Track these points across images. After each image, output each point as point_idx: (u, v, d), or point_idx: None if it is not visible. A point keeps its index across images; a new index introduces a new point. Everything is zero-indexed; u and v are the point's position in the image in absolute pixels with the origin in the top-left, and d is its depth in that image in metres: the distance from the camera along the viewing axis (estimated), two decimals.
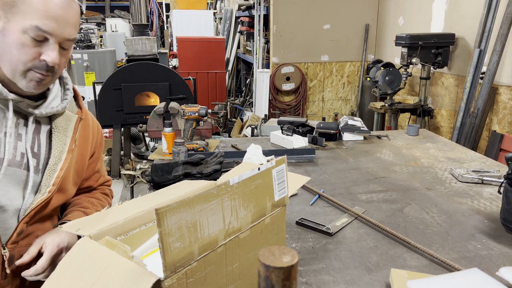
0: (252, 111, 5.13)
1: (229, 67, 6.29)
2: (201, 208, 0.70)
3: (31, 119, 1.03)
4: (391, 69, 3.55)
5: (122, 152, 3.97)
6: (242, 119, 4.82)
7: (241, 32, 6.24)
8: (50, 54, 0.95)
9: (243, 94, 6.21)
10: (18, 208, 1.01)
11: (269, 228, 0.89)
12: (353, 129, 2.23)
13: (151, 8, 8.91)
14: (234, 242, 0.78)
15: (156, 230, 0.65)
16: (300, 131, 2.14)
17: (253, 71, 5.45)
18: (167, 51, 6.75)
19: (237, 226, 0.78)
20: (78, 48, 5.20)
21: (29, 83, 0.97)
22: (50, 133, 1.07)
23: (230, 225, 0.76)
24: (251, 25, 5.60)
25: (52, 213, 1.11)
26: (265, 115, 4.58)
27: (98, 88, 3.81)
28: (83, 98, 4.68)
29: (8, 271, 0.99)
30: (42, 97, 1.05)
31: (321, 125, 2.24)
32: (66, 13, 0.95)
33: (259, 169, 0.83)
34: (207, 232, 0.71)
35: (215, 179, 1.50)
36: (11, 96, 0.97)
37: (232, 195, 0.76)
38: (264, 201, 0.86)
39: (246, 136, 4.01)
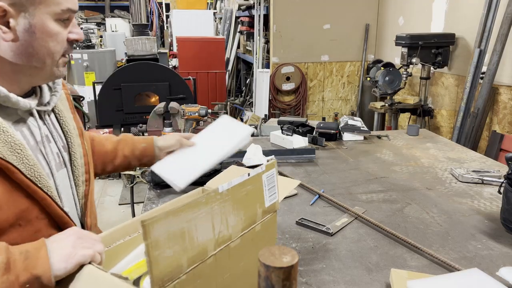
0: (252, 111, 5.13)
1: (229, 67, 6.28)
2: (190, 217, 0.67)
3: (46, 117, 0.97)
4: (391, 69, 3.55)
5: None
6: (242, 119, 4.82)
7: (241, 32, 6.24)
8: (77, 31, 0.91)
9: (243, 94, 6.21)
10: (74, 207, 1.00)
11: (260, 235, 0.86)
12: (353, 129, 2.23)
13: (151, 8, 8.91)
14: (225, 251, 0.75)
15: (140, 241, 0.62)
16: (300, 131, 2.14)
17: (253, 71, 5.44)
18: (167, 51, 6.75)
19: (228, 235, 0.75)
20: (78, 48, 5.20)
21: (62, 68, 0.92)
22: (56, 119, 1.02)
23: (220, 234, 0.73)
24: (251, 25, 5.60)
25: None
26: (265, 115, 4.57)
27: (98, 88, 3.80)
28: (83, 98, 4.68)
29: None
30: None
31: (321, 125, 2.24)
32: None
33: (249, 174, 0.80)
34: (196, 242, 0.68)
35: None
36: (33, 104, 0.90)
37: (222, 203, 0.73)
38: (255, 207, 0.83)
39: None
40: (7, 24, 0.81)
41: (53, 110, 1.00)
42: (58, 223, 0.91)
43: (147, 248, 0.60)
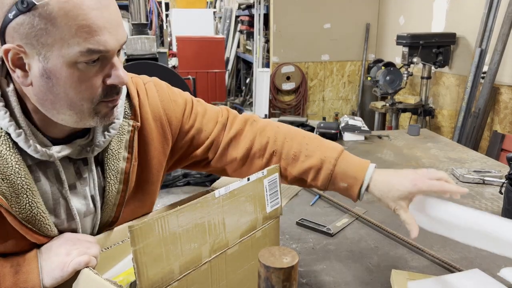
0: (252, 111, 5.13)
1: (229, 67, 6.28)
2: (182, 222, 0.65)
3: (90, 161, 0.82)
4: (392, 69, 3.54)
5: None
6: None
7: (241, 31, 6.23)
8: (118, 75, 0.72)
9: (243, 94, 6.20)
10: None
11: (261, 242, 0.84)
12: (353, 129, 2.22)
13: (150, 7, 8.90)
14: (221, 258, 0.73)
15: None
16: None
17: (253, 71, 5.44)
18: (166, 50, 6.73)
19: (224, 241, 0.73)
20: None
21: (104, 118, 0.76)
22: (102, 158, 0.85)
23: (216, 240, 0.71)
24: (251, 24, 5.59)
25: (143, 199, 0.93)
26: (265, 114, 4.57)
27: None
28: None
29: None
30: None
31: (322, 125, 2.23)
32: (110, 11, 0.69)
33: (248, 179, 0.78)
34: (190, 248, 0.66)
35: (214, 180, 1.49)
36: (54, 158, 0.76)
37: (218, 208, 0.71)
38: (255, 213, 0.81)
39: None
40: (23, 67, 0.69)
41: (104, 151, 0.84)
42: None
43: (134, 254, 0.58)
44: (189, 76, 4.21)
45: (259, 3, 4.96)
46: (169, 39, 7.68)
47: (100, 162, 0.85)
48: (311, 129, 2.20)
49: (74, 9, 0.65)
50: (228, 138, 0.98)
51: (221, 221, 0.72)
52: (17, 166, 0.72)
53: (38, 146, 0.74)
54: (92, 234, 0.86)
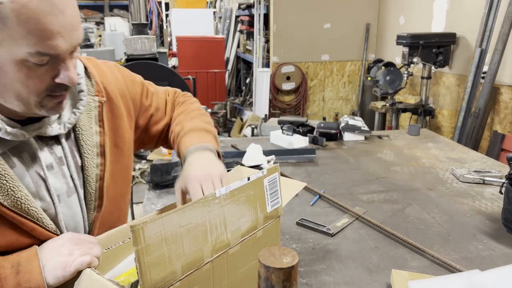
0: (252, 111, 5.12)
1: (229, 67, 6.27)
2: (184, 222, 0.65)
3: (62, 139, 0.85)
4: (392, 69, 3.54)
5: None
6: (242, 119, 4.81)
7: (241, 31, 6.23)
8: (69, 75, 0.74)
9: (243, 94, 6.20)
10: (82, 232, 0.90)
11: (262, 242, 0.84)
12: (353, 129, 2.22)
13: (150, 7, 8.90)
14: (222, 258, 0.73)
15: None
16: (301, 131, 2.13)
17: (253, 71, 5.44)
18: (166, 50, 6.73)
19: (226, 241, 0.73)
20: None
21: (50, 110, 0.78)
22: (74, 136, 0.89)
23: (218, 240, 0.71)
24: (251, 24, 5.59)
25: (117, 194, 0.96)
26: (265, 114, 4.57)
27: None
28: None
29: None
30: None
31: (322, 125, 2.23)
32: (66, 15, 0.70)
33: (249, 178, 0.78)
34: (192, 248, 0.66)
35: None
36: (30, 135, 0.78)
37: (219, 208, 0.71)
38: (255, 213, 0.81)
39: (246, 136, 4.00)
40: None
41: (74, 129, 0.87)
42: None
43: (137, 254, 0.58)
44: (189, 76, 4.21)
45: (259, 3, 4.96)
46: (169, 39, 7.68)
47: (74, 141, 0.88)
48: (312, 129, 2.20)
49: (27, 13, 0.65)
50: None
51: (222, 221, 0.72)
52: None
53: (9, 128, 0.76)
54: (83, 219, 0.88)
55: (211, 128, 1.08)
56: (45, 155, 0.82)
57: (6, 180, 0.75)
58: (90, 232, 0.91)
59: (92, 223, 0.90)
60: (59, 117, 0.84)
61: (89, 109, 0.89)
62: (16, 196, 0.75)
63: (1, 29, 0.66)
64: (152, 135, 1.10)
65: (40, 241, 0.80)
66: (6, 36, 0.67)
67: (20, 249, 0.78)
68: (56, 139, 0.85)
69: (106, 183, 0.90)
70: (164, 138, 1.13)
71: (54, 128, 0.83)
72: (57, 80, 0.74)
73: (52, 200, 0.82)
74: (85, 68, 0.91)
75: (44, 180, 0.81)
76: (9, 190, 0.75)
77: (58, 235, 0.82)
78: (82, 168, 0.88)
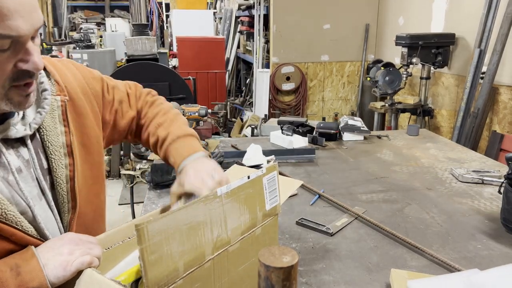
0: (252, 111, 5.13)
1: (229, 67, 6.28)
2: (186, 221, 0.65)
3: (27, 141, 0.82)
4: (391, 69, 3.55)
5: (121, 152, 3.97)
6: (242, 119, 4.82)
7: (241, 32, 6.24)
8: (31, 60, 0.70)
9: (243, 94, 6.20)
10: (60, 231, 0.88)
11: (261, 239, 0.85)
12: (353, 129, 2.23)
13: (150, 8, 8.91)
14: (223, 255, 0.74)
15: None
16: (300, 131, 2.14)
17: (253, 71, 5.44)
18: (167, 51, 6.74)
19: (226, 239, 0.74)
20: (77, 48, 5.20)
21: (17, 105, 0.74)
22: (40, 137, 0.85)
23: (219, 238, 0.72)
24: (251, 24, 5.60)
25: (91, 192, 0.94)
26: (265, 115, 4.57)
27: None
28: None
29: None
30: None
31: (321, 125, 2.23)
32: None
33: (248, 177, 0.79)
34: (194, 246, 0.67)
35: None
36: None
37: (220, 206, 0.72)
38: (255, 211, 0.82)
39: (246, 136, 4.01)
40: None
41: (38, 129, 0.84)
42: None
43: (141, 252, 0.59)
44: (189, 77, 4.22)
45: (259, 4, 4.97)
46: (169, 39, 7.68)
47: (39, 142, 0.84)
48: (311, 129, 2.21)
49: None
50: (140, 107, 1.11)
51: (223, 219, 0.73)
52: None
53: None
54: (57, 221, 0.85)
55: (192, 131, 1.09)
56: (12, 159, 0.79)
57: None
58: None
59: (68, 226, 0.87)
60: (23, 118, 0.81)
61: (52, 109, 0.85)
62: None
63: None
64: (121, 130, 1.08)
65: (21, 247, 0.77)
66: None
67: (1, 256, 0.75)
68: (21, 142, 0.81)
69: (78, 183, 0.87)
70: (132, 133, 1.12)
71: (19, 129, 0.79)
72: (23, 67, 0.70)
73: (28, 204, 0.79)
74: (44, 67, 0.86)
75: (17, 184, 0.78)
76: None
77: (39, 239, 0.80)
78: (50, 170, 0.84)
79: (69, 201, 0.86)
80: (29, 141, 0.82)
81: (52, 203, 0.84)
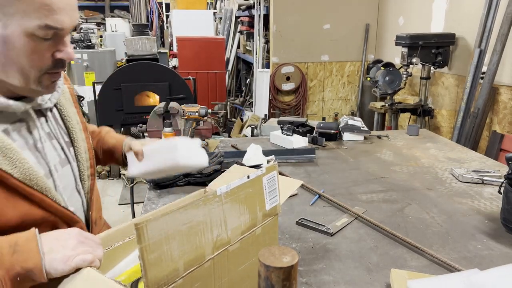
0: (252, 111, 5.13)
1: (229, 67, 6.28)
2: (186, 220, 0.65)
3: (48, 113, 0.96)
4: (391, 69, 3.55)
5: None
6: (242, 119, 4.82)
7: (241, 32, 6.24)
8: (68, 51, 0.84)
9: (243, 94, 6.20)
10: (81, 207, 1.00)
11: (261, 239, 0.85)
12: (353, 129, 2.23)
13: (151, 8, 8.91)
14: (223, 255, 0.74)
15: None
16: (300, 131, 2.14)
17: (253, 71, 5.44)
18: (167, 51, 6.75)
19: (226, 239, 0.74)
20: (78, 48, 5.19)
21: (45, 88, 0.86)
22: (59, 114, 1.01)
23: (219, 238, 0.72)
24: (251, 25, 5.60)
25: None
26: (265, 115, 4.57)
27: (98, 88, 3.80)
28: (83, 98, 4.64)
29: None
30: None
31: (321, 125, 2.23)
32: None
33: (248, 177, 0.79)
34: (194, 245, 0.67)
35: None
36: (28, 106, 0.87)
37: (220, 206, 0.72)
38: (255, 210, 0.82)
39: (246, 136, 4.01)
40: None
41: (55, 106, 0.99)
42: (64, 220, 0.91)
43: (141, 252, 0.59)
44: (190, 77, 4.22)
45: (259, 4, 4.97)
46: (169, 39, 7.68)
47: (58, 119, 0.99)
48: (311, 129, 2.21)
49: None
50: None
51: (223, 219, 0.73)
52: None
53: (11, 101, 0.83)
54: (78, 187, 0.99)
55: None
56: (37, 130, 0.90)
57: (13, 154, 0.81)
58: (90, 201, 1.02)
59: (89, 192, 1.02)
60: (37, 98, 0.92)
61: (63, 92, 1.01)
62: (24, 167, 0.82)
63: (15, 3, 0.74)
64: None
65: (51, 214, 0.87)
66: (19, 9, 0.75)
67: (34, 223, 0.81)
68: (43, 116, 0.94)
69: (93, 152, 1.05)
70: None
71: (41, 103, 0.91)
72: (58, 56, 0.82)
73: (50, 172, 0.90)
74: None
75: (40, 153, 0.89)
76: (17, 162, 0.81)
77: (63, 207, 0.89)
78: (72, 143, 0.99)
79: (88, 168, 1.02)
80: (49, 114, 0.96)
81: (76, 170, 0.99)
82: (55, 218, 0.89)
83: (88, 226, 1.01)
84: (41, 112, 0.93)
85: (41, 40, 0.78)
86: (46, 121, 0.94)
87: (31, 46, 0.78)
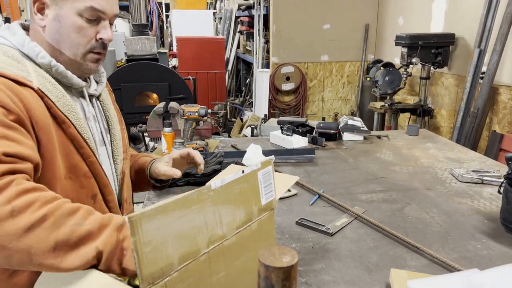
0: (252, 111, 5.13)
1: (229, 67, 6.28)
2: (180, 214, 0.66)
3: (94, 100, 1.12)
4: (391, 69, 3.55)
5: None
6: (242, 119, 4.82)
7: (241, 32, 6.24)
8: (107, 32, 1.01)
9: (243, 94, 6.21)
10: (113, 181, 1.12)
11: (257, 234, 0.84)
12: (353, 129, 2.23)
13: (150, 8, 8.90)
14: (218, 249, 0.74)
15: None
16: (300, 131, 2.14)
17: (253, 71, 5.44)
18: (166, 51, 6.74)
19: (221, 233, 0.74)
20: None
21: (90, 64, 1.03)
22: (101, 105, 1.16)
23: (213, 232, 0.72)
24: (251, 25, 5.60)
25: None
26: (265, 115, 4.57)
27: None
28: None
29: None
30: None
31: (321, 125, 2.24)
32: None
33: (243, 172, 0.79)
34: (188, 239, 0.67)
35: None
36: (85, 84, 1.05)
37: (214, 200, 0.72)
38: (250, 205, 0.82)
39: (246, 136, 4.01)
40: (43, 13, 0.98)
41: (98, 98, 1.14)
42: (99, 185, 1.03)
43: (134, 245, 0.59)
44: (189, 77, 4.22)
45: (259, 4, 4.97)
46: (169, 39, 7.68)
47: (99, 108, 1.14)
48: (311, 129, 2.21)
49: None
50: None
51: (218, 213, 0.73)
52: (64, 92, 0.98)
53: (74, 76, 1.02)
54: (112, 168, 1.12)
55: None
56: (88, 109, 1.07)
57: (76, 113, 0.98)
58: (121, 182, 1.13)
59: (121, 174, 1.14)
60: (89, 86, 1.10)
61: (105, 91, 1.19)
62: (82, 126, 0.99)
63: None
64: None
65: (92, 175, 1.00)
66: None
67: (77, 180, 0.97)
68: (90, 102, 1.09)
69: (126, 141, 1.20)
70: None
71: (92, 88, 1.10)
72: (100, 36, 1.00)
73: (96, 145, 1.04)
74: None
75: (89, 128, 1.04)
76: (77, 120, 0.98)
77: (103, 170, 1.03)
78: (109, 130, 1.14)
79: (121, 153, 1.15)
80: (95, 102, 1.12)
81: (111, 152, 1.13)
82: (94, 183, 1.01)
83: (120, 204, 1.13)
84: (90, 98, 1.10)
85: (88, 20, 0.98)
86: (93, 106, 1.11)
87: (79, 24, 0.97)
